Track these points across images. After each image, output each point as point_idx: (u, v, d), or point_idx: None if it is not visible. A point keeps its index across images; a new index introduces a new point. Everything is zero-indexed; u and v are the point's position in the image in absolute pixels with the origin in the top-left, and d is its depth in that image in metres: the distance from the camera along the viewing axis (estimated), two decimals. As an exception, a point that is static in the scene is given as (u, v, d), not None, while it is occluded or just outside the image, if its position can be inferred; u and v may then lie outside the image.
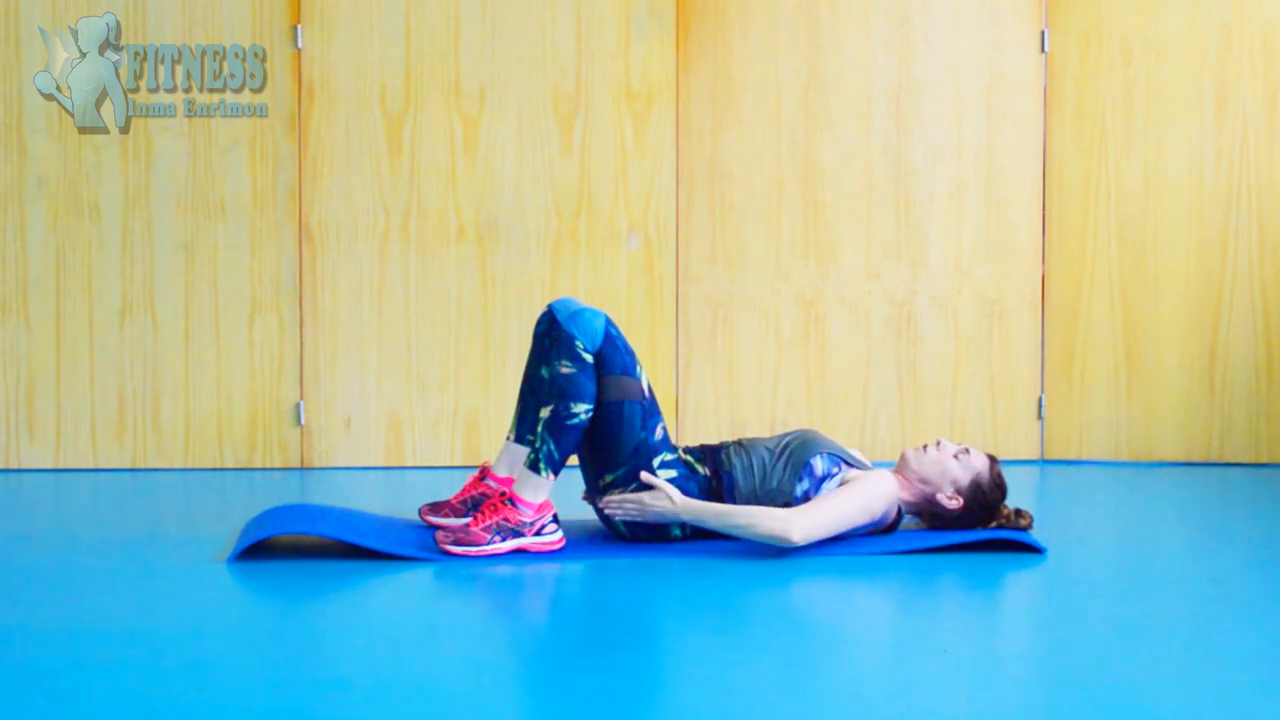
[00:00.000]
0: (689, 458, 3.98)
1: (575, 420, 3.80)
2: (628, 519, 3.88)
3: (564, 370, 3.82)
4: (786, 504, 3.91)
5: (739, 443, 4.03)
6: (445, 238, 5.58)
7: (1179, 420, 5.71)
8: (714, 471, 3.95)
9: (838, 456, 3.99)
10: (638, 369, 3.89)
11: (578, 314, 3.89)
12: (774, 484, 3.91)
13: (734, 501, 3.92)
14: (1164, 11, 5.66)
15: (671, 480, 3.90)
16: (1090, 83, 5.69)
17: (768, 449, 3.99)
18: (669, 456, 3.91)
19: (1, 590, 3.54)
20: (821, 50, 5.69)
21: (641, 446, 3.87)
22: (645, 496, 3.85)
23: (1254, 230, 5.63)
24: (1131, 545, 4.26)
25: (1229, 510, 4.94)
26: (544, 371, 3.99)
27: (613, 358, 3.85)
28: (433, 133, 5.56)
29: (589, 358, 3.83)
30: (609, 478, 3.90)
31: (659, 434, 3.91)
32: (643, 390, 3.88)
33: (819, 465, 3.95)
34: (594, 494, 3.99)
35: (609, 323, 3.88)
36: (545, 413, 3.82)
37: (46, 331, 5.50)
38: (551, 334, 3.97)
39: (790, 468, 3.93)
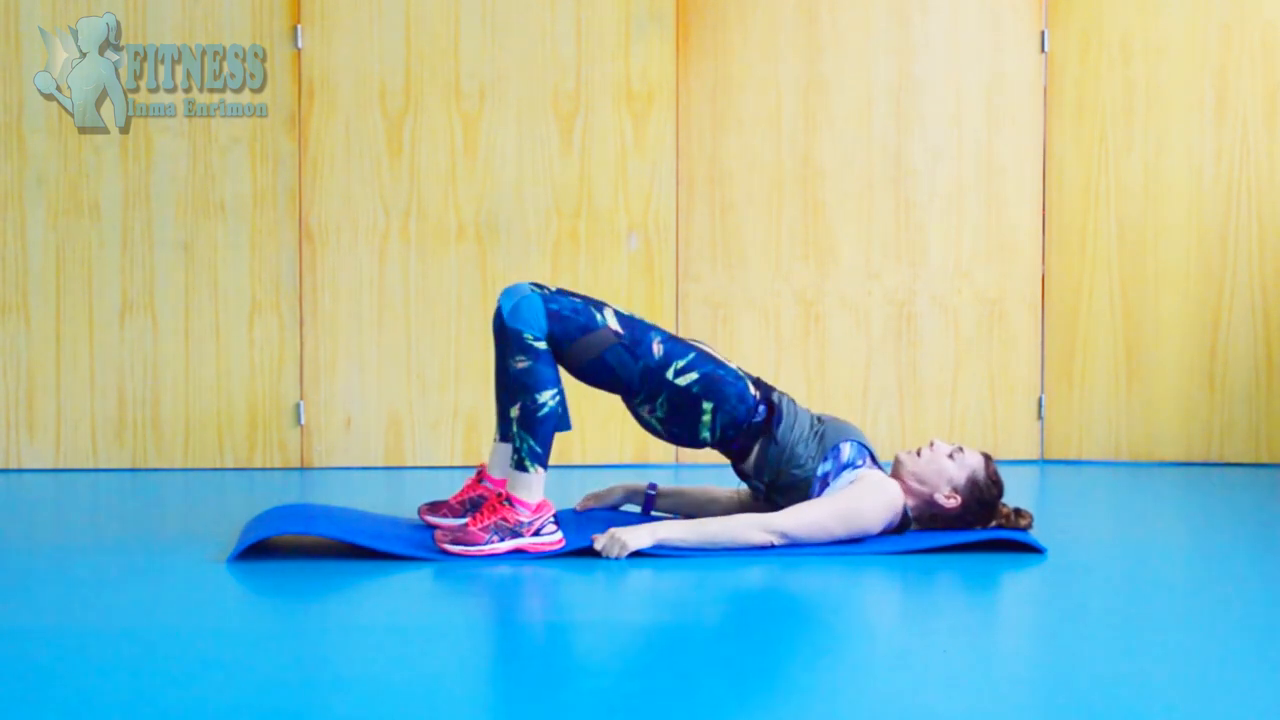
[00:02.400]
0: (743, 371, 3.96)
1: (545, 410, 3.79)
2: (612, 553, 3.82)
3: (520, 365, 3.80)
4: (805, 479, 3.89)
5: (790, 397, 4.04)
6: (445, 238, 5.58)
7: (1179, 420, 5.71)
8: (765, 399, 3.95)
9: (867, 450, 3.99)
10: (598, 316, 3.85)
11: (516, 307, 3.81)
12: (800, 450, 3.90)
13: (769, 447, 3.91)
14: (1164, 11, 5.66)
15: (695, 381, 3.87)
16: (1090, 83, 5.69)
17: (810, 415, 4.00)
18: (681, 363, 3.87)
19: (2, 590, 3.54)
20: (821, 50, 5.69)
21: (646, 372, 3.85)
22: (620, 533, 3.81)
23: (1254, 230, 5.63)
24: (1131, 545, 4.26)
25: (1229, 510, 4.94)
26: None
27: (565, 330, 3.81)
28: (433, 133, 5.56)
29: (541, 345, 3.80)
30: (636, 400, 3.93)
31: (658, 351, 3.86)
32: (614, 331, 3.85)
33: (846, 451, 3.94)
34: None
35: (545, 299, 3.82)
36: (515, 411, 3.81)
37: (46, 331, 5.50)
38: (502, 335, 3.93)
39: (820, 444, 3.92)
